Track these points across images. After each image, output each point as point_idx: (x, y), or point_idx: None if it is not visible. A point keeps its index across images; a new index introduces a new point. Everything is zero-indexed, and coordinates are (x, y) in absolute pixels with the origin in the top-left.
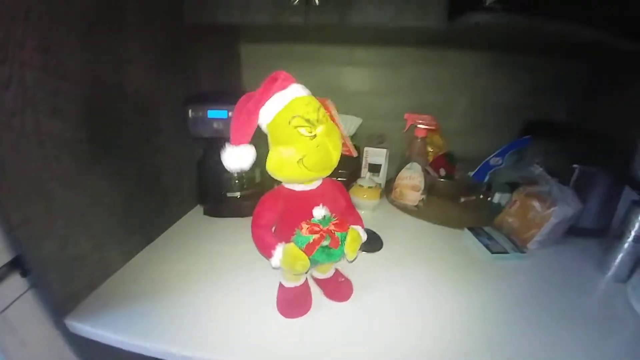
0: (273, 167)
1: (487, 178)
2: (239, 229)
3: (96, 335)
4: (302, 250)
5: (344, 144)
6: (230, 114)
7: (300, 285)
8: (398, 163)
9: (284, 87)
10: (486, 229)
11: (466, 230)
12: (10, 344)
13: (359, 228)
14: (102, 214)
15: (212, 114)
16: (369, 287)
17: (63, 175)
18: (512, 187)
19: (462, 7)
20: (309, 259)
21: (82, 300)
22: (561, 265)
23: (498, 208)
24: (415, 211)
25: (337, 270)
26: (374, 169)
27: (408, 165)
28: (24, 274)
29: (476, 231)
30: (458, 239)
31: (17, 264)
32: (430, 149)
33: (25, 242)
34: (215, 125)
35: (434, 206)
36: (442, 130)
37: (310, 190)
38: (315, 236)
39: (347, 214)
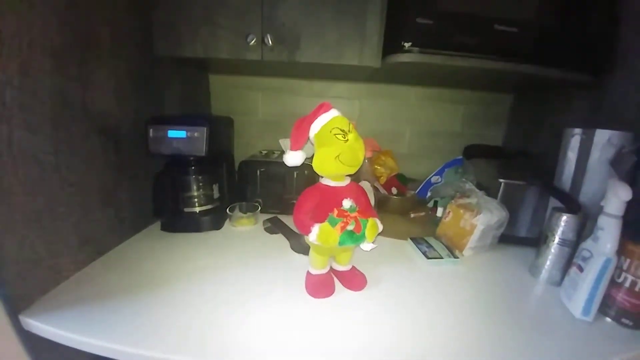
0: (318, 163)
1: (428, 194)
2: (197, 244)
3: (44, 331)
4: (334, 229)
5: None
6: (188, 134)
7: (326, 273)
8: None
9: (327, 110)
10: (427, 238)
11: (409, 240)
12: None
13: (376, 219)
14: (57, 222)
15: (172, 133)
16: None
17: (26, 181)
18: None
19: (388, 50)
20: (339, 238)
21: (35, 301)
22: (495, 270)
23: (439, 221)
24: None
25: (353, 266)
26: None
27: (359, 183)
28: None
29: (417, 240)
30: (401, 248)
31: None
32: (383, 170)
33: None
34: (174, 144)
35: (385, 221)
36: (394, 154)
37: (341, 186)
38: (344, 219)
39: (367, 209)
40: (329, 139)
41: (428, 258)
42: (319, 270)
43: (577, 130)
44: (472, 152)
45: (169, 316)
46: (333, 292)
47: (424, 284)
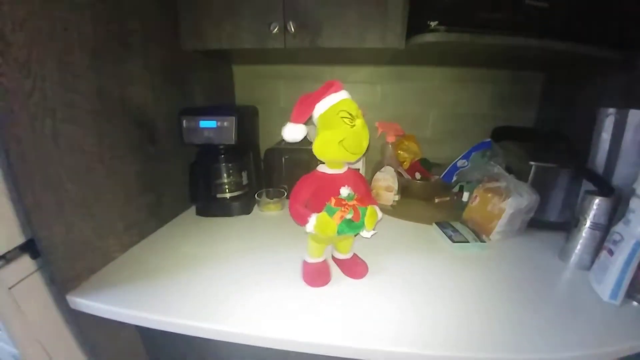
0: (319, 146)
1: (454, 178)
2: (228, 227)
3: (93, 309)
4: (331, 218)
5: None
6: (218, 124)
7: (322, 262)
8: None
9: (337, 91)
10: (453, 223)
11: (434, 224)
12: (13, 318)
13: (375, 207)
14: (104, 208)
15: (203, 123)
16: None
17: (73, 171)
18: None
19: (413, 30)
20: (337, 227)
21: (83, 282)
22: (523, 254)
23: (466, 205)
24: (390, 210)
25: (355, 254)
26: None
27: (382, 169)
28: (34, 256)
29: (442, 225)
30: (426, 232)
31: (28, 247)
32: (406, 155)
33: (37, 226)
34: (206, 133)
35: (409, 206)
36: (418, 139)
37: (339, 174)
38: (342, 208)
39: (366, 197)
40: (335, 122)
41: (454, 242)
42: (315, 258)
43: (611, 110)
44: (501, 135)
45: (204, 292)
46: (328, 281)
47: (450, 268)
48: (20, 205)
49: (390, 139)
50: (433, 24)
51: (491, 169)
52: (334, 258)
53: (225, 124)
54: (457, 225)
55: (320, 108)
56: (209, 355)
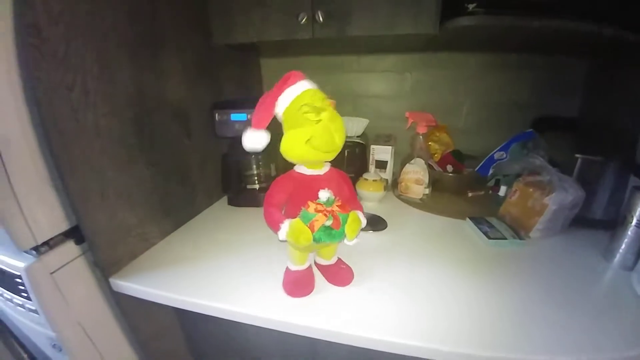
0: (285, 147)
1: (491, 171)
2: (258, 217)
3: (134, 291)
4: (307, 226)
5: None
6: (249, 116)
7: (305, 269)
8: (406, 160)
9: (294, 83)
10: (488, 218)
11: (468, 219)
12: (54, 302)
13: (359, 212)
14: (144, 196)
15: (234, 117)
16: (372, 266)
17: (114, 161)
18: (515, 179)
19: (449, 14)
20: (313, 236)
21: (124, 266)
22: (564, 253)
23: (503, 200)
24: (420, 204)
25: (339, 259)
26: (381, 165)
27: (412, 161)
28: (78, 241)
29: (477, 220)
30: (459, 228)
31: (72, 233)
32: (437, 147)
33: (83, 213)
34: (237, 126)
35: (441, 200)
36: (450, 129)
37: (318, 175)
38: (319, 214)
39: (350, 201)
40: (298, 119)
41: (490, 238)
42: (297, 266)
43: None
44: (541, 125)
45: (234, 277)
46: (311, 291)
47: (485, 265)
48: (65, 194)
49: (421, 129)
50: (471, 6)
51: (533, 162)
52: (316, 264)
53: None
54: (493, 221)
55: (281, 106)
56: (238, 335)
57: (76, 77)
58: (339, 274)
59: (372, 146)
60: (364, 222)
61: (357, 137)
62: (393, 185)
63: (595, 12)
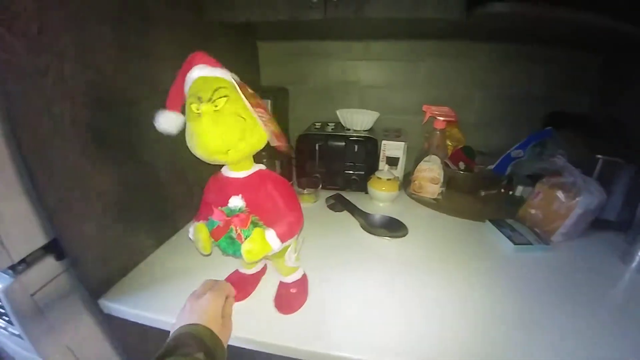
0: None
1: (508, 170)
2: None
3: (128, 314)
4: (210, 232)
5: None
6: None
7: (249, 275)
8: (414, 156)
9: (189, 70)
10: (509, 221)
11: (488, 222)
12: (37, 326)
13: (270, 232)
14: (135, 201)
15: None
16: (394, 278)
17: (99, 162)
18: (533, 179)
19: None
20: (217, 244)
21: (116, 283)
22: (586, 258)
23: (520, 201)
24: (434, 204)
25: (301, 280)
26: (392, 162)
27: (427, 158)
28: (59, 257)
29: (498, 223)
30: (479, 231)
31: (51, 248)
32: (448, 143)
33: (64, 226)
34: None
35: (454, 199)
36: (461, 124)
37: (236, 178)
38: (220, 223)
39: (281, 215)
40: (188, 111)
41: (515, 244)
42: (243, 269)
43: None
44: (556, 121)
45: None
46: (244, 298)
47: (511, 272)
48: (40, 203)
49: (439, 125)
50: None
51: (555, 162)
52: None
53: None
54: (515, 224)
55: (186, 92)
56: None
57: (51, 61)
58: (283, 297)
59: (383, 142)
60: (274, 246)
61: (365, 131)
62: (404, 183)
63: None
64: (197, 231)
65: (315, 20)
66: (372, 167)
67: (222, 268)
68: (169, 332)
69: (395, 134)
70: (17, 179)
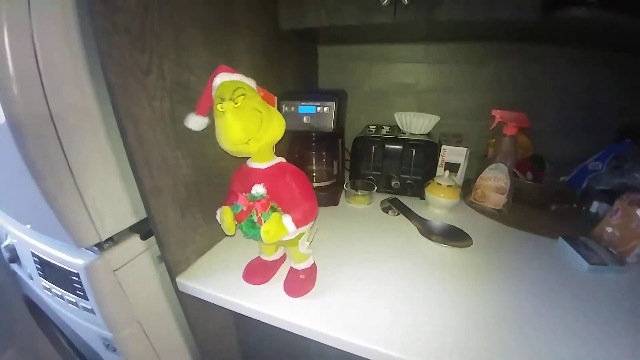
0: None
1: (585, 184)
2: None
3: (200, 293)
4: (235, 216)
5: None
6: (318, 109)
7: (270, 261)
8: (474, 164)
9: (214, 77)
10: (582, 238)
11: (561, 239)
12: (115, 300)
13: (286, 217)
14: (212, 191)
15: (302, 109)
16: (455, 284)
17: (189, 154)
18: (608, 195)
19: (561, 1)
20: (241, 227)
21: (192, 264)
22: None
23: (595, 218)
24: (497, 215)
25: (310, 268)
26: (452, 168)
27: (492, 166)
28: (144, 236)
29: (573, 240)
30: (549, 248)
31: (137, 228)
32: None
33: (154, 209)
34: (305, 119)
35: (519, 212)
36: (529, 130)
37: (259, 168)
38: (244, 207)
39: (293, 204)
40: (215, 111)
41: (591, 264)
42: (263, 255)
43: None
44: (633, 134)
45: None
46: (263, 282)
47: (584, 293)
48: (139, 188)
49: (510, 130)
50: None
51: (637, 177)
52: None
53: (325, 109)
54: (589, 242)
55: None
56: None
57: (152, 59)
58: (292, 281)
59: (443, 146)
60: (289, 228)
61: (423, 135)
62: (463, 191)
63: None
64: (223, 213)
65: (377, 24)
66: (429, 173)
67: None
68: (230, 313)
69: (456, 139)
70: (114, 165)
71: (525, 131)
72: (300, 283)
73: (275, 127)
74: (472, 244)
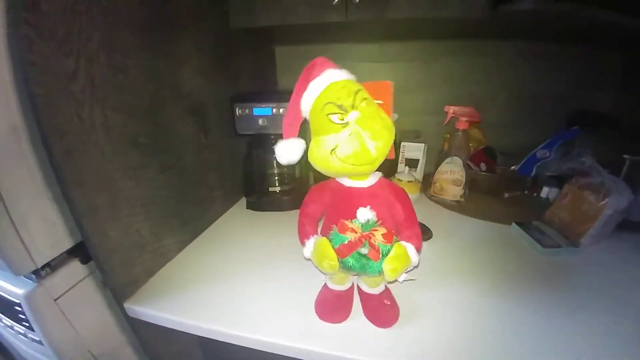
0: (311, 157)
1: (534, 171)
2: (279, 222)
3: (154, 318)
4: (335, 249)
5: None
6: (274, 110)
7: (345, 291)
8: (434, 158)
9: (319, 74)
10: (535, 223)
11: (514, 224)
12: (60, 331)
13: (409, 246)
14: (160, 205)
15: (257, 111)
16: (419, 286)
17: (127, 167)
18: (558, 180)
19: None
20: (342, 262)
21: (139, 288)
22: (616, 260)
23: (546, 202)
24: (456, 206)
25: (386, 289)
26: (411, 164)
27: (448, 160)
28: (84, 260)
29: (525, 225)
30: (505, 234)
31: (76, 252)
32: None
33: (91, 230)
34: (260, 121)
35: (476, 202)
36: (481, 124)
37: (360, 187)
38: (352, 238)
39: (404, 227)
40: (322, 123)
41: (544, 247)
42: (335, 285)
43: None
44: (581, 121)
45: (260, 297)
46: (344, 318)
47: (541, 277)
48: (70, 208)
49: (462, 125)
50: None
51: (583, 162)
52: (358, 289)
53: (282, 110)
54: (540, 226)
55: (306, 104)
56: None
57: (79, 63)
58: (379, 310)
59: (402, 143)
60: (414, 260)
61: None
62: (423, 185)
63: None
64: (320, 249)
65: (331, 23)
66: (391, 169)
67: (240, 270)
68: (194, 335)
69: (414, 136)
70: (44, 184)
71: (477, 125)
72: (388, 310)
73: (392, 135)
74: (432, 237)
